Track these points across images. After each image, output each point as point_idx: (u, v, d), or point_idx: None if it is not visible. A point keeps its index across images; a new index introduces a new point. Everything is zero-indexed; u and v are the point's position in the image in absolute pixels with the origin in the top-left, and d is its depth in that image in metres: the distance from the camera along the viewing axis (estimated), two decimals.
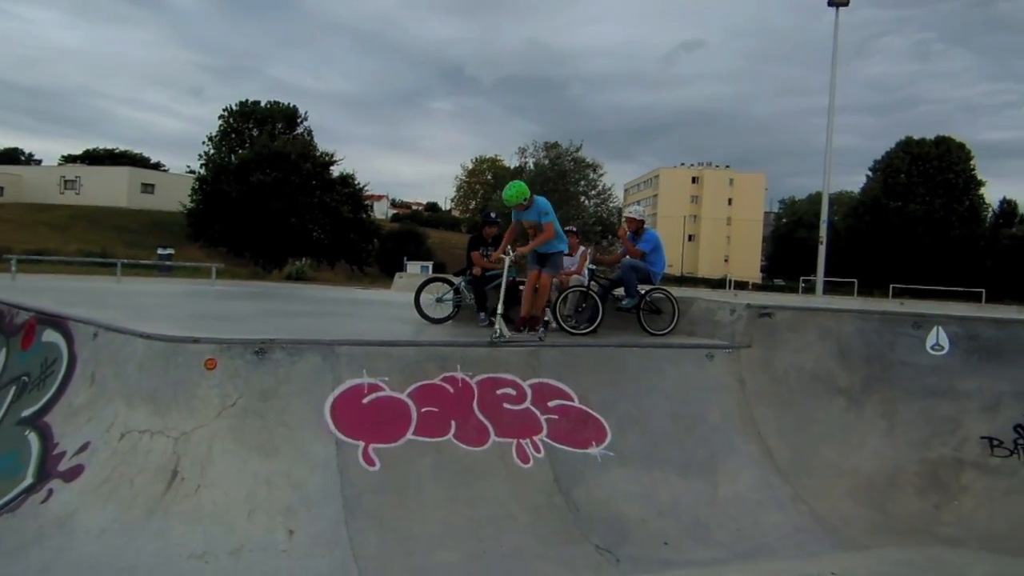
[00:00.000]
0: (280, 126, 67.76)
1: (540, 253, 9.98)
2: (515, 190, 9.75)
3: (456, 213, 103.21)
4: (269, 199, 54.50)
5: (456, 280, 11.51)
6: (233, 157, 62.47)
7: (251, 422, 7.24)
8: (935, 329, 9.44)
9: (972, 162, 72.36)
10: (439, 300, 11.20)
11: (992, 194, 79.92)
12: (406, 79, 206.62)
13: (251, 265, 54.30)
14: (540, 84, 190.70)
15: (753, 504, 8.23)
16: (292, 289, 27.83)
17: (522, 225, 10.07)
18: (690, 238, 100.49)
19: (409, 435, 7.64)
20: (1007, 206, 78.28)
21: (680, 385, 9.21)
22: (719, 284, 61.94)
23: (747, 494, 8.35)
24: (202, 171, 62.74)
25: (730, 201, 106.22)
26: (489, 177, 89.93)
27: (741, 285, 61.63)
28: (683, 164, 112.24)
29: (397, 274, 36.83)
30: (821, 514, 8.22)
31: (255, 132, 66.54)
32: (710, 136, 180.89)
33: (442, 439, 7.76)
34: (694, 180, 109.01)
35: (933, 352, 9.38)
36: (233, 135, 67.11)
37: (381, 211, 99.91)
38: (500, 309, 9.26)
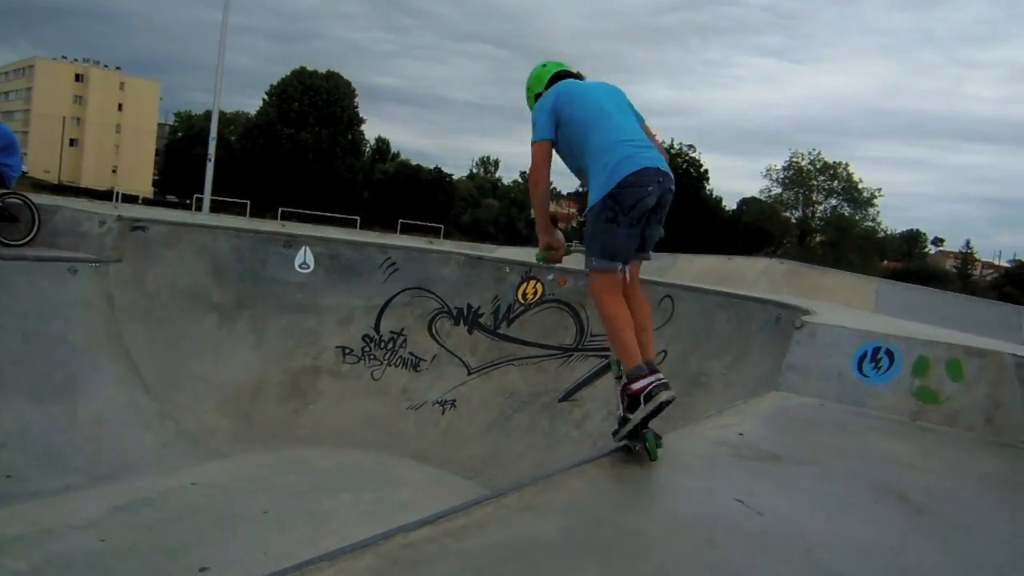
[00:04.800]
0: None
1: None
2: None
3: None
4: None
5: None
6: None
7: None
8: (303, 249, 10.19)
9: (356, 100, 79.23)
10: None
11: (371, 132, 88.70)
12: None
13: None
14: None
15: (116, 425, 7.90)
16: None
17: None
18: (72, 143, 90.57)
19: None
20: (381, 144, 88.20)
21: (35, 302, 8.28)
22: (106, 196, 57.18)
23: (110, 415, 7.96)
24: None
25: (120, 107, 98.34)
26: None
27: (131, 199, 57.82)
28: (65, 58, 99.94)
29: None
30: (187, 428, 8.30)
31: None
32: (101, 31, 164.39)
33: None
34: (79, 78, 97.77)
35: (301, 270, 10.13)
36: None
37: None
38: None
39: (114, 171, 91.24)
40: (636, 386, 3.58)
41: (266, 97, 77.15)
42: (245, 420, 8.81)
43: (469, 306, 10.01)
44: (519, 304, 9.82)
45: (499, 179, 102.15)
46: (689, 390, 7.55)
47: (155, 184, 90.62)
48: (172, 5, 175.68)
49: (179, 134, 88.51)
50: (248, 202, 48.60)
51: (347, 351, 9.80)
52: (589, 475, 3.48)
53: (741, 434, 4.47)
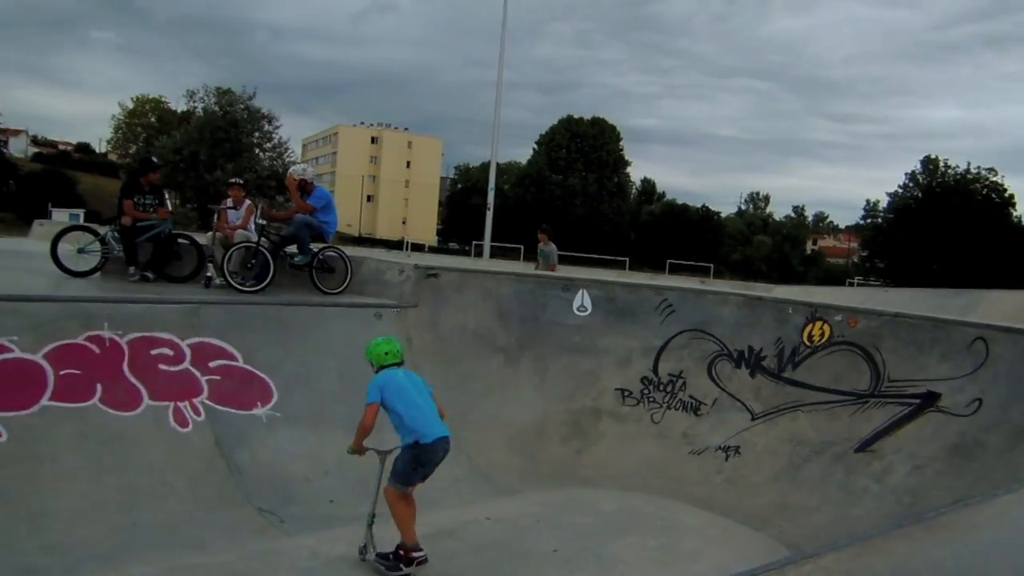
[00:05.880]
0: None
1: None
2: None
3: (114, 157, 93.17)
4: None
5: (103, 230, 10.45)
6: None
7: None
8: (581, 292, 10.44)
9: (621, 143, 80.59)
10: (81, 251, 10.08)
11: (637, 174, 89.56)
12: (61, 0, 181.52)
13: None
14: (222, 27, 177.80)
15: None
16: None
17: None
18: (369, 198, 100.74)
19: (44, 401, 6.86)
20: (648, 185, 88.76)
21: (349, 344, 9.21)
22: (397, 245, 62.91)
23: None
24: None
25: (408, 164, 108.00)
26: (153, 120, 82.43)
27: (418, 247, 63.09)
28: (363, 123, 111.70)
29: (37, 221, 32.58)
30: (479, 464, 8.77)
31: None
32: (392, 98, 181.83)
33: (85, 404, 7.08)
34: (373, 140, 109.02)
35: (579, 313, 10.38)
36: None
37: (19, 148, 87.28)
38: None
39: (403, 222, 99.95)
40: (414, 554, 5.90)
41: (536, 146, 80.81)
42: (531, 458, 9.12)
43: (750, 348, 9.66)
44: (805, 346, 9.31)
45: (770, 215, 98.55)
46: (1014, 444, 6.70)
47: (438, 233, 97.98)
48: (451, 70, 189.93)
49: (459, 186, 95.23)
50: (522, 246, 50.86)
51: (626, 393, 9.84)
52: (915, 539, 3.17)
53: None
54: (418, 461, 6.03)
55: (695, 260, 55.55)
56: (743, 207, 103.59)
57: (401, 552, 5.89)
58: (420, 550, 5.93)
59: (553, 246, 15.60)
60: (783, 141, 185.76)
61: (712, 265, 51.83)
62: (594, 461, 9.25)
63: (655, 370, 9.94)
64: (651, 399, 9.77)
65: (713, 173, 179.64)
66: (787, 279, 55.27)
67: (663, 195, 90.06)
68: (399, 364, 6.50)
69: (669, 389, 9.76)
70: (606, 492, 8.44)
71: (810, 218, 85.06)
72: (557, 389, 9.92)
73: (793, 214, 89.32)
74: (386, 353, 6.50)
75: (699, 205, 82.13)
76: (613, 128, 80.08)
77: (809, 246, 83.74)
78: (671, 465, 9.00)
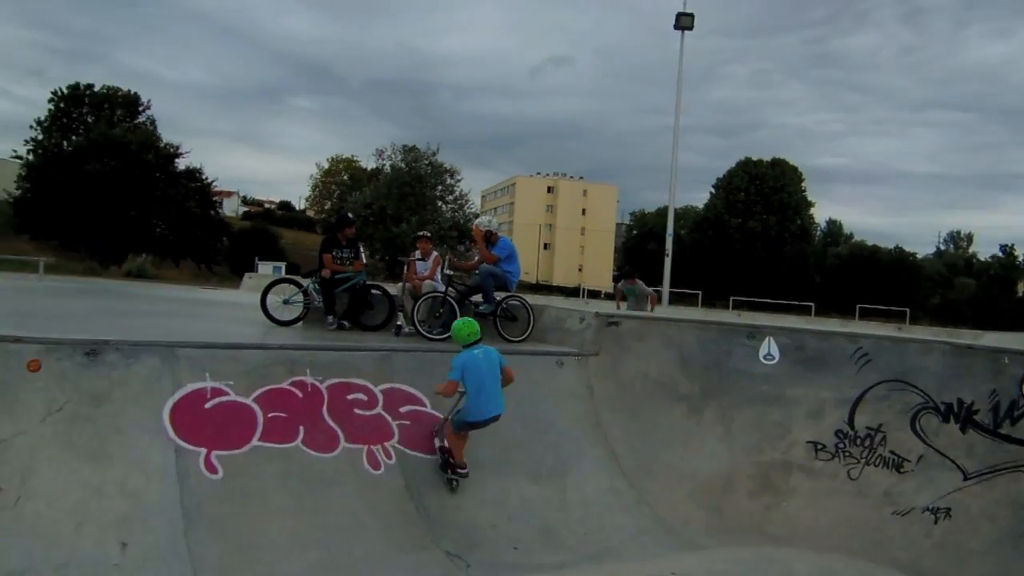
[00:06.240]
0: (120, 113, 63.83)
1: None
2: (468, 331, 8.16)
3: (311, 213, 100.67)
4: (107, 191, 51.28)
5: (305, 282, 11.24)
6: (67, 144, 58.39)
7: (81, 428, 6.76)
8: (767, 340, 10.05)
9: (803, 184, 77.62)
10: (287, 302, 10.89)
11: (821, 215, 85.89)
12: (268, 74, 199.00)
13: (86, 260, 50.80)
14: (409, 88, 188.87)
15: (600, 508, 8.48)
16: (131, 287, 26.29)
17: None
18: (545, 247, 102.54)
19: (255, 441, 7.38)
20: (833, 226, 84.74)
21: (531, 391, 9.35)
22: (573, 292, 63.46)
23: (594, 498, 8.59)
24: (30, 157, 58.22)
25: (584, 211, 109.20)
26: (346, 177, 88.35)
27: (594, 294, 63.39)
28: (539, 173, 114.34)
29: (247, 274, 35.53)
30: (663, 516, 8.56)
31: (90, 118, 62.32)
32: (567, 147, 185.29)
33: (290, 445, 7.54)
34: (549, 190, 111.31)
35: (765, 361, 9.97)
36: (65, 120, 62.51)
37: (231, 208, 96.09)
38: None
39: (579, 269, 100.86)
40: (459, 469, 7.99)
41: (713, 190, 79.40)
42: (717, 512, 8.80)
43: (960, 401, 8.88)
44: None
45: (974, 254, 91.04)
46: None
47: (615, 279, 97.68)
48: (625, 117, 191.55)
49: (634, 232, 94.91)
50: (700, 292, 49.84)
51: (819, 446, 9.31)
52: None
53: None
54: (469, 426, 7.98)
55: (889, 304, 52.09)
56: (942, 247, 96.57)
57: (451, 461, 8.00)
58: (465, 468, 7.97)
59: (642, 283, 16.26)
60: (987, 175, 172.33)
61: (908, 310, 48.33)
62: (785, 518, 8.79)
63: (851, 423, 9.35)
64: (847, 453, 9.18)
65: (906, 212, 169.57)
66: (996, 325, 50.48)
67: (850, 236, 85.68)
68: (478, 341, 8.08)
69: (867, 443, 9.14)
70: (799, 552, 7.98)
71: (1021, 258, 77.69)
72: (744, 440, 9.54)
73: (1001, 254, 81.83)
74: (468, 334, 8.00)
75: (891, 246, 77.45)
76: (794, 169, 77.48)
77: (1021, 288, 76.36)
78: (872, 526, 8.39)
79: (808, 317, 38.48)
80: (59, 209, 51.47)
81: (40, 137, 60.90)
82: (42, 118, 62.34)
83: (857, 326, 20.57)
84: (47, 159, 55.50)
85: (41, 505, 6.27)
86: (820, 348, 10.00)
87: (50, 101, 62.93)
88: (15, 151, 62.01)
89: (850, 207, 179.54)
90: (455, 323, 8.32)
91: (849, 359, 9.73)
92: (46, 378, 6.84)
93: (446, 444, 8.12)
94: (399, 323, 10.87)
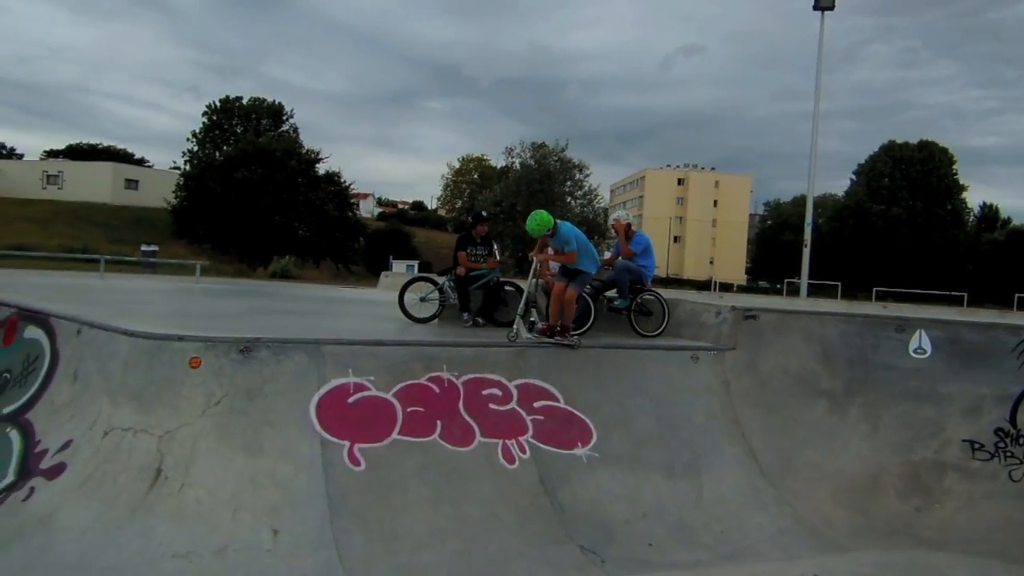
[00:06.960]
0: (266, 123, 67.55)
1: (569, 268, 9.69)
2: (537, 222, 9.41)
3: (442, 212, 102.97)
4: (254, 196, 54.31)
5: (440, 280, 11.51)
6: (218, 154, 62.26)
7: (236, 421, 7.22)
8: (918, 332, 9.51)
9: (955, 167, 72.93)
10: (423, 300, 11.19)
11: (975, 199, 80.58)
12: (402, 79, 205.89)
13: (236, 262, 53.98)
14: (537, 86, 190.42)
15: (737, 506, 8.27)
16: (277, 287, 27.71)
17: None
18: (676, 239, 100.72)
19: (394, 435, 7.64)
20: (988, 211, 79.12)
21: (665, 386, 9.24)
22: (704, 286, 62.07)
23: (731, 496, 8.39)
24: (187, 168, 62.50)
25: (715, 203, 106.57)
26: (476, 176, 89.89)
27: (726, 287, 61.78)
28: (669, 166, 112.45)
29: (383, 273, 36.70)
30: (804, 516, 8.27)
31: (239, 129, 66.30)
32: (697, 138, 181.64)
33: (427, 439, 7.76)
34: (680, 182, 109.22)
35: (916, 355, 9.45)
36: (217, 132, 66.81)
37: (367, 209, 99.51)
38: (520, 311, 9.47)
39: (711, 262, 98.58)
40: (574, 334, 9.37)
41: (853, 177, 75.90)
42: (863, 513, 8.42)
43: None
44: None
45: None
46: None
47: (747, 271, 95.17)
48: (758, 104, 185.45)
49: (768, 222, 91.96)
50: (839, 283, 47.78)
51: (976, 445, 8.75)
52: None
53: None
54: (589, 281, 9.85)
55: None
56: None
57: (559, 329, 9.13)
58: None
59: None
60: None
61: None
62: (938, 521, 8.31)
63: (1013, 421, 8.75)
64: (1009, 453, 8.60)
65: None
66: None
67: (1009, 221, 79.67)
68: None
69: None
70: (954, 558, 7.55)
71: None
72: (892, 439, 9.07)
73: None
74: (542, 220, 9.35)
75: None
76: (944, 151, 72.90)
77: None
78: None
79: (960, 308, 36.11)
80: (212, 215, 54.94)
81: (195, 148, 65.32)
82: (197, 130, 66.98)
83: (1016, 317, 19.17)
84: (201, 169, 59.28)
85: (202, 492, 6.74)
86: (978, 341, 9.40)
87: (204, 114, 67.61)
88: (174, 162, 66.80)
89: (1008, 189, 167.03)
90: (530, 223, 9.44)
91: (1011, 353, 9.13)
92: (205, 374, 7.35)
93: (549, 323, 9.34)
94: (532, 319, 10.97)
